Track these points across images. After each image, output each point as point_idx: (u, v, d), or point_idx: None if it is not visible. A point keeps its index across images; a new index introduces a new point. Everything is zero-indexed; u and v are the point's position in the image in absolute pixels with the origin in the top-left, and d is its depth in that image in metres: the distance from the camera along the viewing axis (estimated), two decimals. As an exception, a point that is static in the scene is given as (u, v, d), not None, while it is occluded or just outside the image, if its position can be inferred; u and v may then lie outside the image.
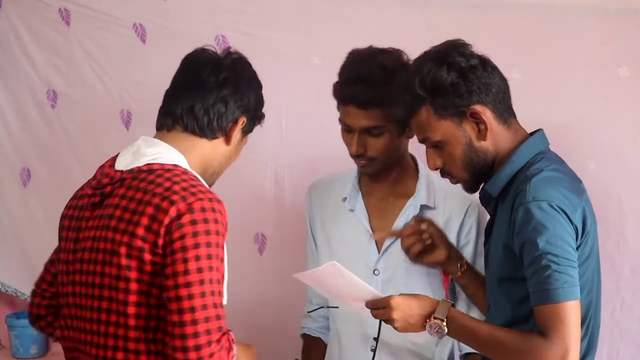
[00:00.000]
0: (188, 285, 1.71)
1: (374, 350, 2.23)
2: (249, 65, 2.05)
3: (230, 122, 1.97)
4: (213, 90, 1.95)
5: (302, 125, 2.86)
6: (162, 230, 1.74)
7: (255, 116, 2.05)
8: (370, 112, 2.26)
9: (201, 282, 1.72)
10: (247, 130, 2.03)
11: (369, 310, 2.00)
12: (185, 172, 1.85)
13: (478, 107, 1.94)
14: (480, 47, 2.02)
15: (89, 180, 1.93)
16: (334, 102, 2.39)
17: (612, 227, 2.58)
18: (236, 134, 1.99)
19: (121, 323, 1.78)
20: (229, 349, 1.75)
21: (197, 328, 1.70)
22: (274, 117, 2.88)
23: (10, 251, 3.28)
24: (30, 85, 3.18)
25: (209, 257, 1.73)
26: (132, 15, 3.02)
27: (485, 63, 1.97)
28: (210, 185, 1.97)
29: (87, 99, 3.10)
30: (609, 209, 2.56)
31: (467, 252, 2.33)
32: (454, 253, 2.21)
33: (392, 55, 2.30)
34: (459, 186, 2.09)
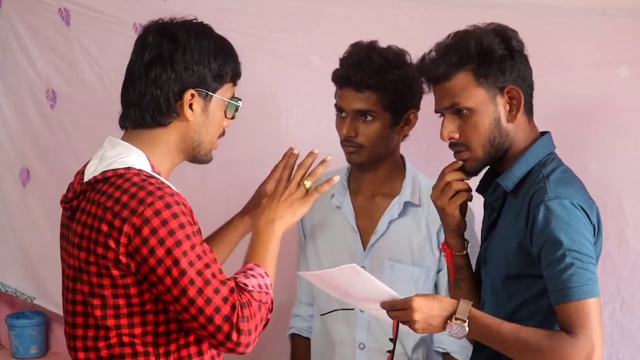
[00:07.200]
0: (183, 292, 1.70)
1: (391, 352, 2.21)
2: (190, 28, 1.87)
3: (175, 101, 1.82)
4: (142, 77, 1.82)
5: (302, 125, 2.86)
6: (122, 250, 1.71)
7: (216, 77, 1.85)
8: (365, 95, 2.29)
9: (191, 282, 1.70)
10: (211, 92, 1.85)
11: (384, 311, 1.96)
12: (137, 173, 1.77)
13: (516, 87, 1.96)
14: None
15: (69, 185, 1.89)
16: (334, 102, 2.39)
17: (612, 227, 2.57)
18: (195, 106, 1.84)
19: (101, 336, 1.77)
20: (247, 304, 1.75)
21: (216, 321, 1.71)
22: (274, 117, 2.89)
23: (10, 251, 3.28)
24: (30, 85, 3.18)
25: (185, 254, 1.70)
26: (132, 15, 3.01)
27: (527, 56, 2.01)
28: (211, 149, 1.90)
29: (87, 99, 3.10)
30: (609, 209, 2.55)
31: None
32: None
33: (395, 51, 2.33)
34: None
